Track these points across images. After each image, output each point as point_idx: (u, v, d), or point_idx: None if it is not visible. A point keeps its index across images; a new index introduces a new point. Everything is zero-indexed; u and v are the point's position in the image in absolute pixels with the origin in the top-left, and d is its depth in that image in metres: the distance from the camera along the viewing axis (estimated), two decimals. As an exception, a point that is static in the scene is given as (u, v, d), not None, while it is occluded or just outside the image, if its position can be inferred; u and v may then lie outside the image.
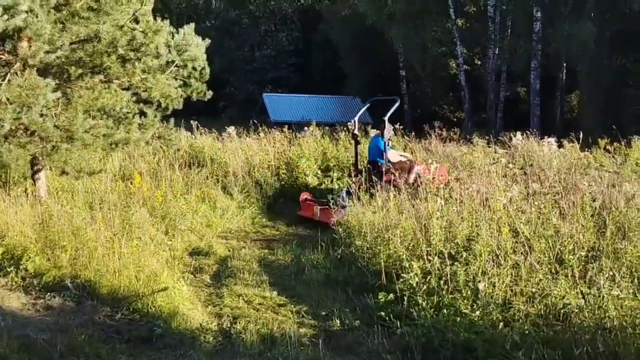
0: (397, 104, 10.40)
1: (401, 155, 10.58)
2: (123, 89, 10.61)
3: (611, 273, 4.67)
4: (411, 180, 9.12)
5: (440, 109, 32.59)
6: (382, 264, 5.73)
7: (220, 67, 26.05)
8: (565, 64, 26.57)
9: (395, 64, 30.80)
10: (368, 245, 6.48)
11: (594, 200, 6.38)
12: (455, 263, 5.30)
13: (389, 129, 10.34)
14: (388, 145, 10.13)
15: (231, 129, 14.19)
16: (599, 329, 4.08)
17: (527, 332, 4.25)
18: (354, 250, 6.67)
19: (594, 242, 5.46)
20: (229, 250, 7.88)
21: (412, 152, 12.88)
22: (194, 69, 12.81)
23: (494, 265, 5.09)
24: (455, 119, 31.06)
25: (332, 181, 11.84)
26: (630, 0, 17.55)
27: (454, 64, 29.90)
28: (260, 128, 14.96)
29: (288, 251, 7.53)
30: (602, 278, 4.59)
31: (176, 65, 11.74)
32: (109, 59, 8.68)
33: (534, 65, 23.96)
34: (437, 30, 28.65)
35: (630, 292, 4.59)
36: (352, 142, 11.52)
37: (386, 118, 10.01)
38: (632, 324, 4.07)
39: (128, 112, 11.02)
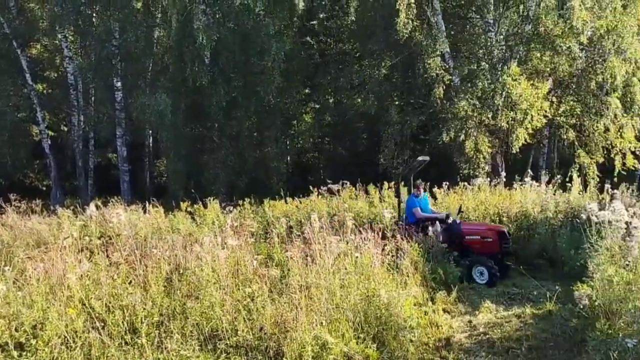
0: None
1: None
2: None
3: (179, 335, 4.93)
4: None
5: (25, 177, 30.23)
6: None
7: None
8: (150, 132, 27.97)
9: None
10: None
11: (169, 264, 6.72)
12: (24, 353, 4.82)
13: None
14: None
15: None
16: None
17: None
18: None
19: (167, 306, 5.70)
20: None
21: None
22: None
23: (65, 348, 4.81)
24: (44, 188, 29.24)
25: None
26: (200, 77, 19.72)
27: (37, 130, 28.17)
28: None
29: None
30: (171, 341, 4.80)
31: None
32: None
33: (119, 132, 24.45)
34: (13, 96, 26.67)
35: (196, 348, 4.91)
36: None
37: None
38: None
39: None
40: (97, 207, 12.63)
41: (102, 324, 5.15)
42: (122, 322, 5.29)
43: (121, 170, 25.17)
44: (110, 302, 5.62)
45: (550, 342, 6.42)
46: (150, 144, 29.71)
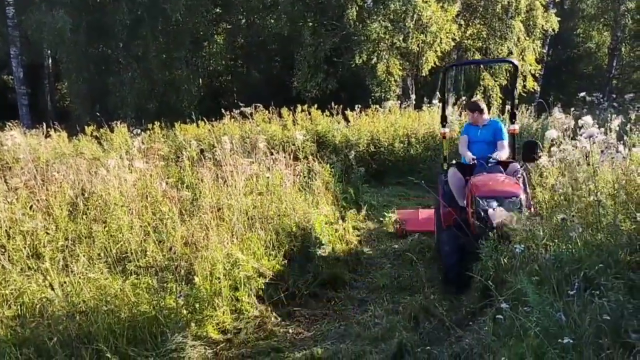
0: None
1: None
2: None
3: (85, 258, 4.83)
4: None
5: None
6: None
7: None
8: (49, 52, 26.07)
9: None
10: None
11: (73, 189, 6.48)
12: None
13: None
14: None
15: None
16: (75, 314, 4.18)
17: (-1, 338, 4.00)
18: None
19: (72, 230, 5.55)
20: None
21: None
22: None
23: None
24: None
25: None
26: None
27: None
28: None
29: None
30: (78, 264, 4.71)
31: None
32: None
33: (13, 52, 22.63)
34: None
35: (104, 271, 4.86)
36: None
37: None
38: (104, 300, 4.31)
39: None
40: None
41: (2, 250, 4.95)
42: (24, 247, 5.10)
43: (18, 94, 23.51)
44: (10, 228, 5.39)
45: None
46: (50, 65, 27.76)
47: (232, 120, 14.59)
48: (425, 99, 15.71)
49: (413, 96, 17.32)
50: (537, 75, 20.18)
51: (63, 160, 8.38)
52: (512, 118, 7.10)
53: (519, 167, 6.13)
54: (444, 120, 7.36)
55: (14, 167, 6.90)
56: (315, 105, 14.61)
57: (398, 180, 12.28)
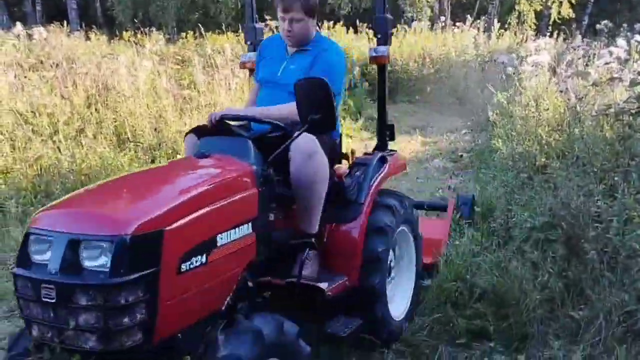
0: None
1: None
2: None
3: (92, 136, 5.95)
4: None
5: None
6: None
7: None
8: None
9: None
10: None
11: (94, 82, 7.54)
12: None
13: None
14: None
15: None
16: (80, 175, 5.34)
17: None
18: None
19: (87, 115, 6.64)
20: None
21: None
22: None
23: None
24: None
25: None
26: None
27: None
28: None
29: None
30: (86, 140, 5.83)
31: None
32: None
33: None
34: None
35: (110, 149, 5.98)
36: None
37: None
38: (104, 168, 5.45)
39: None
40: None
41: (29, 125, 6.10)
42: (47, 125, 6.24)
43: (69, -1, 24.60)
44: (37, 109, 6.51)
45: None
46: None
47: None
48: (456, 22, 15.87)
49: (442, 17, 17.49)
50: (572, 2, 19.83)
51: (92, 58, 9.40)
52: None
53: None
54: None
55: (45, 62, 7.92)
56: (341, 23, 15.04)
57: (409, 99, 12.93)
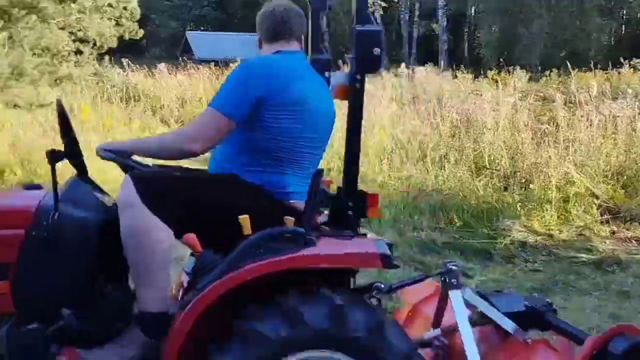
0: None
1: None
2: (60, 29, 11.66)
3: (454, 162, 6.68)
4: None
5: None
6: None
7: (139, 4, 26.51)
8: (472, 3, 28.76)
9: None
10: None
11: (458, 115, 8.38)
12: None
13: None
14: None
15: (162, 66, 15.31)
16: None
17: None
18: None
19: (451, 142, 7.44)
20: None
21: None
22: (125, 9, 13.86)
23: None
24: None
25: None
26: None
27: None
28: (188, 65, 16.16)
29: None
30: (449, 165, 6.59)
31: (109, 5, 12.84)
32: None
33: (441, 3, 25.96)
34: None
35: (468, 174, 6.61)
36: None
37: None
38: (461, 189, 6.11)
39: (67, 50, 12.15)
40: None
41: (404, 150, 7.17)
42: (417, 149, 7.23)
43: (440, 40, 26.97)
44: (411, 136, 7.60)
45: None
46: (472, 15, 30.52)
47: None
48: None
49: None
50: None
51: (459, 94, 10.32)
52: None
53: None
54: None
55: (420, 97, 9.15)
56: None
57: None
